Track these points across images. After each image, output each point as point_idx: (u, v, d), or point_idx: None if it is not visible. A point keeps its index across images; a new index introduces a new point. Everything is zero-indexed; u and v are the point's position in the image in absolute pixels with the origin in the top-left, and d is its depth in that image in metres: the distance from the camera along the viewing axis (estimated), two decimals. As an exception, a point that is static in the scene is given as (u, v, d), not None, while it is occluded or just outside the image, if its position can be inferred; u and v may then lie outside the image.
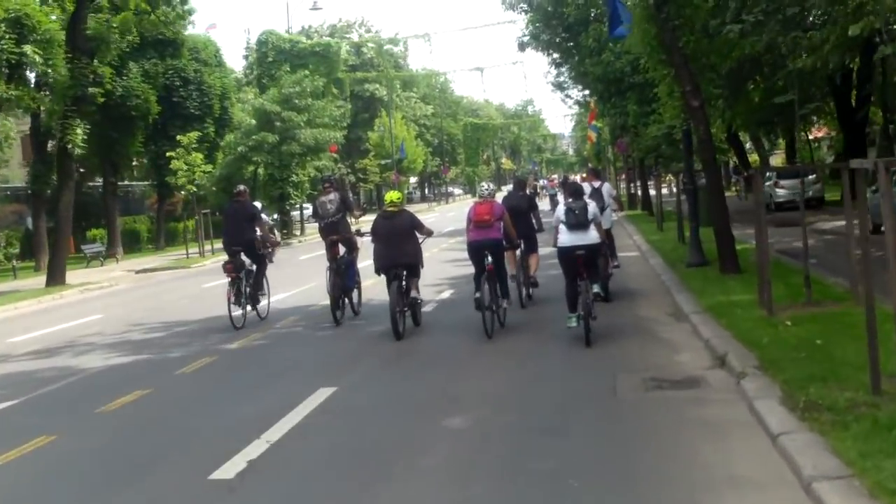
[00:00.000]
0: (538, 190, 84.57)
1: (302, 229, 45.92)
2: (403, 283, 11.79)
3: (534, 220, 13.85)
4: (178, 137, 33.40)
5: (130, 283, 27.30)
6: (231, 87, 47.45)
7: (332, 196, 13.39)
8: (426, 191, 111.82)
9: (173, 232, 50.50)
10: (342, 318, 13.26)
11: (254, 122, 37.40)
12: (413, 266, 11.98)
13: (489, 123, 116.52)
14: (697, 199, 16.66)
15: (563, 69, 50.94)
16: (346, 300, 13.53)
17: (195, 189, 33.13)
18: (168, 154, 33.80)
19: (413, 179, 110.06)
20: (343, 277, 13.23)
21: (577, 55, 36.36)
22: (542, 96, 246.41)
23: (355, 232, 13.87)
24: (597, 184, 15.07)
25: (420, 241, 12.20)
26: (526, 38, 36.18)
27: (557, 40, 35.57)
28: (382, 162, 67.67)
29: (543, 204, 75.35)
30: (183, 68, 44.66)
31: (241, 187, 15.07)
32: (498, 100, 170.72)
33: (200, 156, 32.78)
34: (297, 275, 22.17)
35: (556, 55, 36.63)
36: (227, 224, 14.54)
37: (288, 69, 39.97)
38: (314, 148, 37.98)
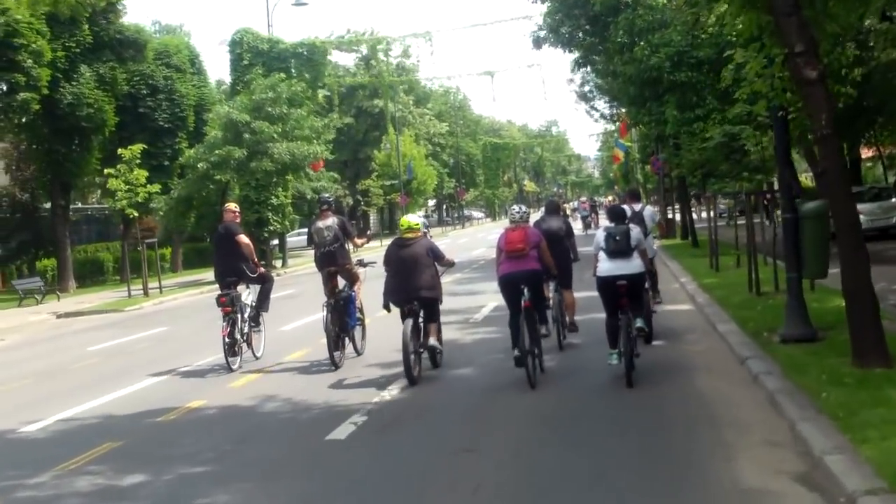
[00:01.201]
0: (569, 212, 79.83)
1: (284, 260, 39.91)
2: (420, 320, 10.51)
3: (570, 249, 12.28)
4: (120, 151, 27.54)
5: (34, 334, 21.52)
6: (210, 98, 41.73)
7: (330, 221, 11.89)
8: (444, 214, 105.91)
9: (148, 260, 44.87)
10: (342, 360, 11.76)
11: (218, 133, 31.47)
12: (431, 302, 10.57)
13: (510, 143, 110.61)
14: (802, 235, 10.35)
15: (588, 71, 45.38)
16: (346, 339, 12.01)
17: (134, 213, 27.18)
18: (106, 171, 27.95)
19: (431, 202, 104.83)
20: (342, 314, 11.79)
21: (604, 52, 30.35)
22: (565, 113, 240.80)
23: (356, 262, 12.39)
24: (637, 206, 13.54)
25: (440, 272, 10.89)
26: (542, 33, 30.17)
27: (580, 34, 29.55)
28: (388, 183, 61.69)
29: (576, 224, 70.62)
30: (151, 74, 39.09)
31: (230, 205, 13.70)
32: (521, 120, 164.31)
33: (144, 173, 26.89)
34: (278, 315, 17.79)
35: (578, 54, 30.59)
36: (217, 251, 12.98)
37: (261, 72, 33.99)
38: (291, 165, 31.91)
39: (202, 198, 32.37)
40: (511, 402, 9.15)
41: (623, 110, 36.39)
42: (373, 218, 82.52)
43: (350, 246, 12.56)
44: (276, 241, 39.49)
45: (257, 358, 12.79)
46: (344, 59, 78.86)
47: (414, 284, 10.40)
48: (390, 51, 78.60)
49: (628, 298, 9.40)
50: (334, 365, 11.51)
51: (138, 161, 27.02)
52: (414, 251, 10.54)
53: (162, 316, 22.65)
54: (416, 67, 79.52)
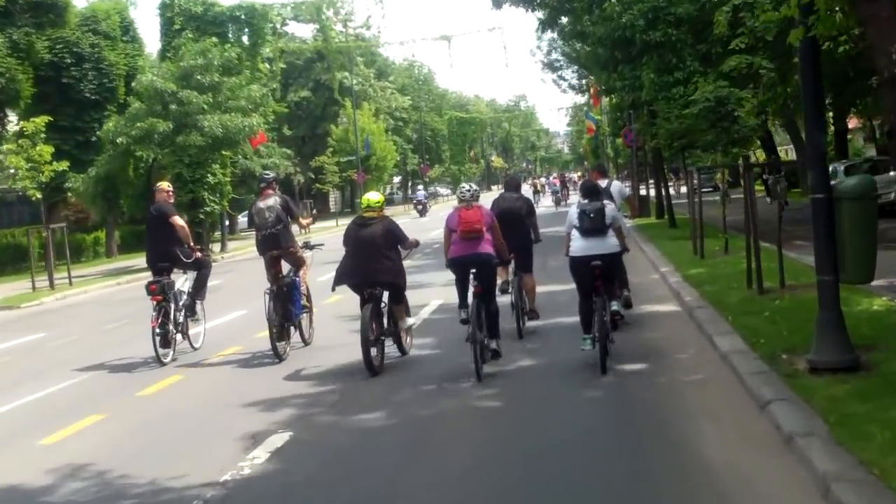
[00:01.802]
0: (539, 188, 77.12)
1: (223, 243, 36.68)
2: (383, 305, 9.85)
3: (531, 230, 11.19)
4: (22, 124, 24.20)
5: None
6: (144, 68, 38.22)
7: (272, 201, 10.98)
8: (408, 191, 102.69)
9: (79, 245, 41.46)
10: (287, 352, 10.85)
11: (141, 105, 28.10)
12: (395, 287, 9.82)
13: (476, 118, 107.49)
14: (840, 223, 7.38)
15: (555, 38, 42.37)
16: (293, 329, 11.12)
17: (37, 194, 23.84)
18: (6, 147, 24.59)
19: (396, 179, 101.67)
20: (286, 302, 10.86)
21: (571, 12, 27.34)
22: (533, 87, 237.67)
23: (302, 245, 11.59)
24: (603, 182, 11.97)
25: (404, 256, 10.02)
26: (502, -11, 27.12)
27: (544, -10, 26.57)
28: (346, 159, 58.40)
29: (546, 200, 69.05)
30: (76, 42, 35.63)
31: (158, 184, 12.81)
32: (489, 96, 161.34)
33: (49, 149, 23.53)
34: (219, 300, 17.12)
35: (543, 14, 27.57)
36: (149, 234, 12.09)
37: (191, 36, 30.57)
38: (224, 139, 28.62)
39: (124, 177, 29.04)
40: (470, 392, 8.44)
41: (593, 78, 33.35)
42: (333, 198, 79.28)
43: (299, 227, 11.90)
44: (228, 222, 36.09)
45: (195, 349, 11.88)
46: (302, 31, 75.36)
47: (374, 267, 9.64)
48: (351, 20, 75.30)
49: (603, 280, 8.87)
50: (278, 357, 10.69)
51: (43, 135, 23.63)
52: (374, 232, 9.73)
53: (53, 317, 19.42)
54: (377, 40, 76.03)
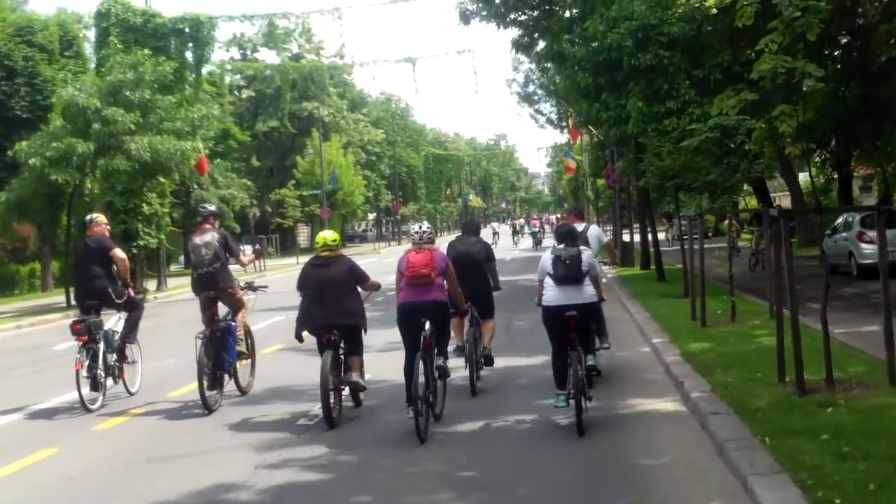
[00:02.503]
0: (518, 228, 74.54)
1: (160, 281, 33.04)
2: (341, 352, 9.14)
3: (490, 277, 10.61)
4: None
5: None
6: (66, 81, 34.82)
7: (209, 237, 10.23)
8: (383, 229, 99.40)
9: (12, 277, 37.84)
10: (218, 402, 9.94)
11: (60, 123, 24.57)
12: (353, 331, 9.18)
13: (453, 155, 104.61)
14: None
15: (532, 69, 39.44)
16: (227, 377, 10.27)
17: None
18: None
19: (371, 216, 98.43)
20: (219, 348, 10.01)
21: (548, 31, 24.20)
22: (513, 126, 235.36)
23: (245, 286, 10.90)
24: (580, 226, 11.03)
25: (364, 298, 9.53)
26: (471, 6, 23.98)
27: (519, 5, 23.40)
28: (312, 192, 55.03)
29: (525, 241, 66.42)
30: (7, 54, 32.23)
31: (94, 216, 11.61)
32: (469, 134, 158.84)
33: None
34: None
35: (515, 33, 24.42)
36: (79, 268, 11.09)
37: (121, 47, 27.07)
38: (154, 164, 25.08)
39: (36, 204, 25.54)
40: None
41: (571, 111, 30.23)
42: (304, 233, 75.79)
43: (240, 266, 11.48)
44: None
45: (132, 393, 11.12)
46: (273, 58, 72.36)
47: (333, 310, 9.11)
48: (322, 49, 72.42)
49: (578, 332, 8.25)
50: (207, 408, 9.80)
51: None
52: (332, 272, 9.27)
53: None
54: (350, 69, 73.11)
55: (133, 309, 11.26)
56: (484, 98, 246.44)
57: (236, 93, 70.65)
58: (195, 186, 46.76)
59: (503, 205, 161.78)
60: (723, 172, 14.21)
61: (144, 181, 27.12)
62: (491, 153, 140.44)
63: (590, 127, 30.77)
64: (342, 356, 9.22)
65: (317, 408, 9.18)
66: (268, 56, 72.08)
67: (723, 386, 8.80)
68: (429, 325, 8.48)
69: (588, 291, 8.49)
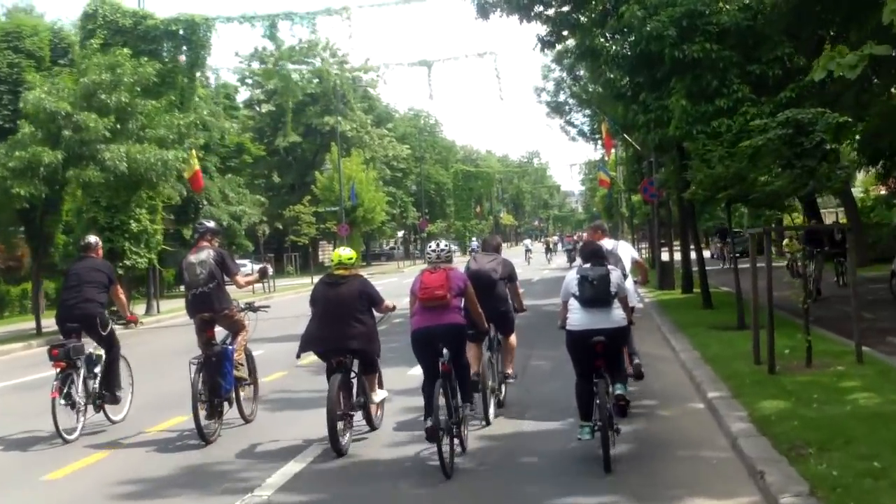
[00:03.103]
0: (551, 245, 72.49)
1: (150, 305, 30.43)
2: (352, 376, 8.75)
3: (510, 298, 9.99)
4: None
5: None
6: (34, 83, 32.43)
7: (205, 255, 9.73)
8: (411, 247, 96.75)
9: (2, 298, 35.68)
10: (216, 432, 9.34)
11: (29, 130, 22.06)
12: (367, 355, 8.84)
13: (483, 171, 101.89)
14: None
15: (563, 76, 36.73)
16: (227, 405, 9.67)
17: None
18: None
19: (400, 233, 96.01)
20: (214, 374, 9.41)
21: (578, 26, 21.41)
22: (544, 138, 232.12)
23: (244, 307, 10.20)
24: (609, 244, 10.25)
25: (378, 320, 9.13)
26: (491, -4, 21.22)
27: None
28: (331, 209, 52.52)
29: (559, 258, 63.93)
30: (-10, 61, 29.94)
31: (92, 239, 11.14)
32: (501, 151, 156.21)
33: None
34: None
35: (544, 29, 21.63)
36: (67, 290, 10.55)
37: (96, 46, 24.44)
38: (135, 176, 22.53)
39: (4, 219, 23.13)
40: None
41: (605, 117, 27.39)
42: (329, 252, 73.31)
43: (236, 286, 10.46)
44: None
45: (113, 422, 10.37)
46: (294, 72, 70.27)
47: (343, 332, 8.60)
48: (347, 62, 70.09)
49: (605, 359, 7.67)
50: (203, 438, 9.06)
51: None
52: (344, 292, 8.75)
53: None
54: (374, 83, 70.71)
55: (111, 348, 10.55)
56: (515, 114, 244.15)
57: (256, 108, 68.65)
58: (204, 202, 44.49)
59: (535, 222, 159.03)
60: (794, 179, 11.29)
61: (129, 195, 24.57)
62: (523, 170, 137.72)
63: (625, 136, 27.88)
64: (353, 379, 8.81)
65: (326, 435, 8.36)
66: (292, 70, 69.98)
67: (828, 484, 5.93)
68: (446, 350, 7.86)
69: (617, 315, 7.88)
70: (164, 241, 41.24)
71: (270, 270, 34.57)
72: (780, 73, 17.00)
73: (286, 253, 59.45)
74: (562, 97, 37.86)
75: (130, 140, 22.95)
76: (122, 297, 11.14)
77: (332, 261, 9.25)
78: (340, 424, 8.35)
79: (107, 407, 10.43)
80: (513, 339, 10.23)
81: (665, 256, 26.99)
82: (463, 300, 8.42)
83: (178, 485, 7.79)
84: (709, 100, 16.78)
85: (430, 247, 8.53)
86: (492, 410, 9.42)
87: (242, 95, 69.80)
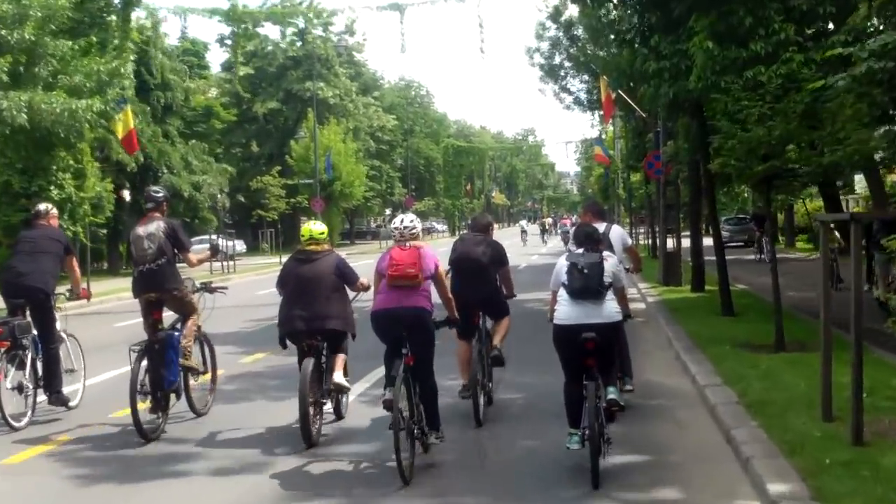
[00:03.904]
0: (547, 227, 69.47)
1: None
2: (323, 360, 8.23)
3: (500, 282, 9.11)
4: None
5: None
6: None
7: (154, 227, 8.84)
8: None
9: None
10: (160, 428, 8.45)
11: None
12: (338, 336, 8.25)
13: (476, 147, 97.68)
14: None
15: (560, 35, 32.75)
16: (173, 397, 8.85)
17: None
18: None
19: (388, 211, 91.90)
20: (157, 364, 8.57)
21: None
22: (541, 113, 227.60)
23: (199, 287, 9.32)
24: (601, 227, 8.95)
25: (351, 297, 8.52)
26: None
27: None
28: (304, 181, 48.49)
29: (554, 240, 60.66)
30: None
31: (44, 206, 10.26)
32: (495, 128, 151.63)
33: None
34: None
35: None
36: (14, 259, 9.57)
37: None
38: (36, 130, 18.50)
39: None
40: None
41: (605, 79, 23.32)
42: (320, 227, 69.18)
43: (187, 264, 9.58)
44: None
45: (70, 408, 9.57)
46: (274, 32, 66.19)
47: (317, 311, 8.06)
48: (332, 24, 65.88)
49: (597, 358, 6.82)
50: (142, 435, 8.17)
51: None
52: (318, 269, 8.21)
53: None
54: (361, 47, 66.44)
55: (49, 343, 9.46)
56: (511, 88, 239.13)
57: (234, 70, 64.35)
58: (164, 170, 40.43)
59: (529, 203, 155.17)
60: (893, 140, 7.38)
61: (41, 155, 20.56)
62: (517, 147, 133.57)
63: (627, 100, 23.86)
64: (324, 363, 8.26)
65: (293, 423, 8.05)
66: (270, 31, 65.79)
67: None
68: (409, 339, 7.11)
69: (610, 308, 6.93)
70: (118, 211, 37.61)
71: (222, 247, 30.77)
72: (834, 8, 13.13)
73: (260, 229, 55.44)
74: (557, 59, 33.67)
75: (38, 87, 18.86)
76: (77, 269, 10.22)
77: (303, 236, 8.55)
78: (312, 411, 7.81)
79: (62, 391, 9.53)
80: (507, 320, 9.18)
81: (670, 244, 22.99)
82: (432, 282, 7.53)
83: (106, 489, 6.95)
84: (741, 43, 12.85)
85: (394, 222, 7.70)
86: (481, 410, 8.49)
87: (221, 57, 65.71)
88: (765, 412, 7.67)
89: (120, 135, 23.25)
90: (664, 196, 21.85)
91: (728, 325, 13.67)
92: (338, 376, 8.16)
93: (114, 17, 22.52)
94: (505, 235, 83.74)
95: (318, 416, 8.06)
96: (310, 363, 7.93)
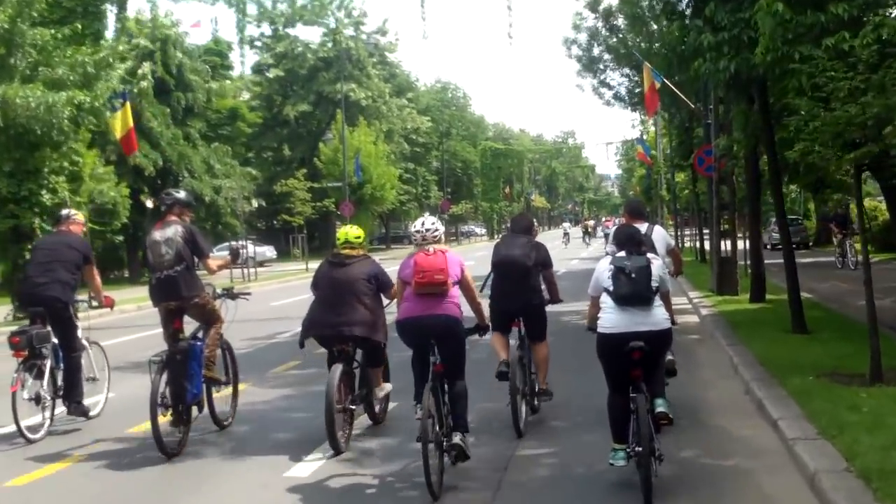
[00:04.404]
0: (589, 229, 68.07)
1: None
2: (356, 366, 8.18)
3: (544, 286, 8.45)
4: None
5: None
6: None
7: (171, 231, 8.41)
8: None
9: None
10: (182, 441, 7.98)
11: None
12: (370, 343, 8.05)
13: (514, 150, 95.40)
14: None
15: (599, 25, 30.52)
16: (195, 410, 8.40)
17: None
18: None
19: (426, 215, 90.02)
20: (178, 375, 8.12)
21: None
22: (581, 114, 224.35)
23: (221, 293, 9.04)
24: (642, 227, 8.42)
25: (385, 304, 8.26)
26: None
27: None
28: (333, 185, 46.69)
29: (596, 243, 58.88)
30: None
31: (66, 212, 10.00)
32: (535, 131, 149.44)
33: None
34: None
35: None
36: (30, 268, 9.50)
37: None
38: (10, 127, 16.70)
39: None
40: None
41: (649, 66, 21.07)
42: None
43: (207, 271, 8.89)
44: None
45: (89, 417, 9.27)
46: (308, 35, 64.59)
47: (347, 317, 7.84)
48: (363, 24, 64.15)
49: (644, 368, 6.29)
50: (163, 451, 7.72)
51: None
52: (351, 273, 8.01)
53: None
54: (394, 47, 64.59)
55: (71, 339, 9.23)
56: (551, 91, 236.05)
57: (265, 73, 62.82)
58: (185, 174, 38.81)
59: (570, 206, 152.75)
60: None
61: (24, 156, 18.80)
62: (557, 150, 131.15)
63: (675, 90, 21.58)
64: (356, 370, 8.18)
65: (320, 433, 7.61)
66: (302, 31, 64.19)
67: None
68: (437, 347, 6.86)
69: (659, 315, 6.43)
70: (139, 217, 36.04)
71: (244, 252, 29.02)
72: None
73: (291, 234, 53.70)
74: (596, 51, 31.40)
75: (14, 80, 17.08)
76: (97, 278, 9.85)
77: (338, 239, 8.49)
78: (340, 419, 7.60)
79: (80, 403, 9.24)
80: (544, 347, 8.63)
81: (723, 248, 20.64)
82: (458, 287, 7.17)
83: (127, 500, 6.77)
84: (817, 6, 10.62)
85: (414, 226, 7.34)
86: (522, 420, 8.05)
87: (251, 60, 64.18)
88: (892, 488, 5.47)
89: (118, 134, 21.44)
90: (717, 195, 19.53)
91: (803, 345, 11.40)
92: (377, 391, 8.11)
93: (107, 5, 20.72)
94: (546, 238, 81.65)
95: (346, 423, 7.85)
96: (338, 369, 7.75)
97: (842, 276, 23.83)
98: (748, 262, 19.74)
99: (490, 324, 7.93)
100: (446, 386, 6.81)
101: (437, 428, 6.57)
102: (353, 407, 8.07)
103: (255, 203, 42.17)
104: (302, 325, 8.18)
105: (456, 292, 7.11)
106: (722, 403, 9.00)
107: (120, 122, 21.51)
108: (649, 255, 6.78)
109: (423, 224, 7.19)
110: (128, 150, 22.43)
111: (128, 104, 21.78)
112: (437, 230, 7.19)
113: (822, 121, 9.08)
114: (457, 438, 6.69)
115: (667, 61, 19.61)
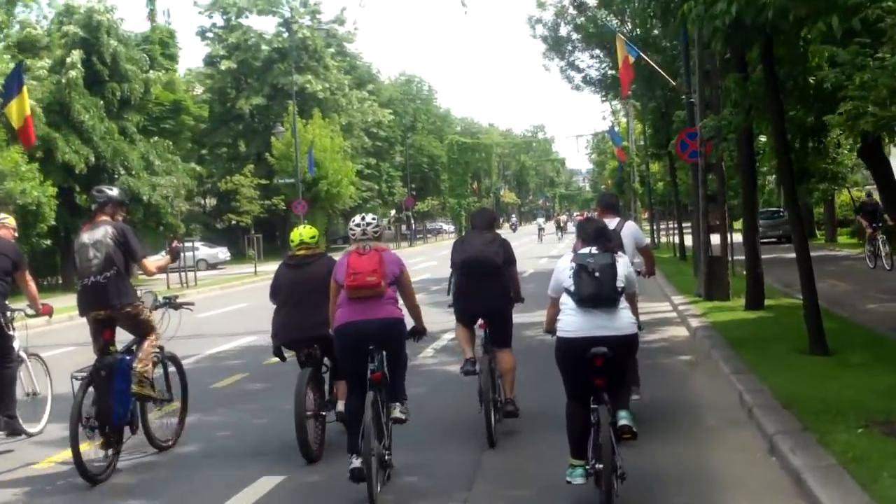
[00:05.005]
0: (562, 224, 66.82)
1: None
2: (325, 371, 7.94)
3: (510, 285, 8.14)
4: None
5: None
6: None
7: (101, 233, 7.75)
8: (403, 227, 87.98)
9: None
10: (110, 467, 7.35)
11: None
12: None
13: (482, 143, 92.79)
14: None
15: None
16: (128, 430, 7.74)
17: None
18: None
19: (392, 212, 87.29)
20: (104, 393, 7.50)
21: None
22: (549, 111, 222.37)
23: (161, 302, 8.38)
24: (613, 222, 8.20)
25: None
26: None
27: None
28: (286, 181, 43.83)
29: (570, 239, 56.67)
30: None
31: (9, 219, 9.26)
32: (504, 125, 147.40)
33: None
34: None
35: None
36: None
37: None
38: None
39: None
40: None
41: (623, 38, 18.44)
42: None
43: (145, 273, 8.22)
44: None
45: (29, 435, 8.76)
46: (262, 25, 61.71)
47: (312, 319, 7.60)
48: (320, 13, 61.27)
49: (608, 376, 5.81)
50: (86, 478, 7.10)
51: None
52: (310, 273, 7.81)
53: None
54: (352, 37, 61.78)
55: (7, 357, 8.69)
56: (519, 85, 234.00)
57: (217, 65, 59.77)
58: (121, 171, 35.81)
59: (541, 201, 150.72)
60: None
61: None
62: (527, 142, 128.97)
63: (652, 65, 18.93)
64: (325, 374, 7.93)
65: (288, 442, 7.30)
66: (255, 22, 61.26)
67: None
68: (375, 354, 6.58)
69: (625, 318, 5.91)
70: (73, 219, 33.07)
71: (182, 250, 26.22)
72: None
73: (247, 235, 50.80)
74: (563, 31, 28.81)
75: None
76: (32, 284, 9.00)
77: (293, 241, 8.11)
78: (311, 426, 7.35)
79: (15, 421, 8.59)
80: (509, 355, 8.06)
81: (698, 244, 18.06)
82: (397, 288, 6.92)
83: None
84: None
85: (353, 221, 7.06)
86: (494, 427, 7.54)
87: (203, 51, 61.23)
88: None
89: (16, 123, 18.60)
90: (704, 184, 16.95)
91: (830, 373, 8.79)
92: (341, 405, 7.52)
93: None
94: (521, 234, 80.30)
95: (318, 430, 7.58)
96: (305, 374, 7.56)
97: (838, 273, 21.55)
98: (733, 260, 17.29)
99: (427, 328, 7.40)
100: (381, 399, 6.46)
101: (379, 442, 6.27)
102: (325, 413, 7.74)
103: (205, 202, 39.22)
104: (272, 334, 7.89)
105: (394, 292, 6.81)
106: (737, 470, 6.38)
107: (15, 111, 18.67)
108: (618, 253, 6.18)
109: (363, 218, 6.98)
110: (26, 142, 19.57)
111: (25, 89, 18.95)
112: (376, 225, 7.00)
113: (872, 73, 6.49)
114: (396, 412, 6.62)
115: (642, 38, 17.07)
